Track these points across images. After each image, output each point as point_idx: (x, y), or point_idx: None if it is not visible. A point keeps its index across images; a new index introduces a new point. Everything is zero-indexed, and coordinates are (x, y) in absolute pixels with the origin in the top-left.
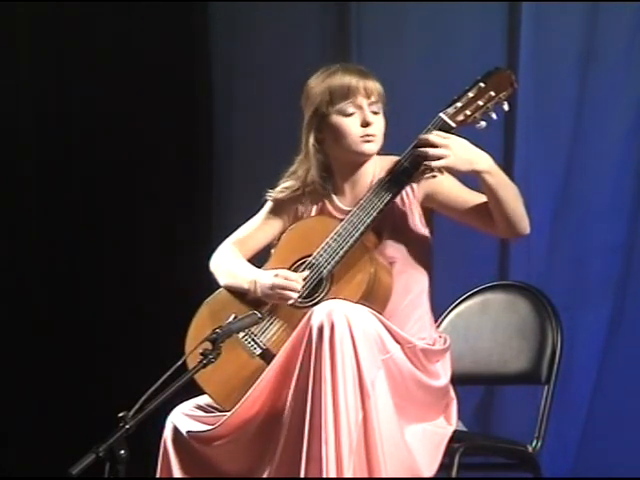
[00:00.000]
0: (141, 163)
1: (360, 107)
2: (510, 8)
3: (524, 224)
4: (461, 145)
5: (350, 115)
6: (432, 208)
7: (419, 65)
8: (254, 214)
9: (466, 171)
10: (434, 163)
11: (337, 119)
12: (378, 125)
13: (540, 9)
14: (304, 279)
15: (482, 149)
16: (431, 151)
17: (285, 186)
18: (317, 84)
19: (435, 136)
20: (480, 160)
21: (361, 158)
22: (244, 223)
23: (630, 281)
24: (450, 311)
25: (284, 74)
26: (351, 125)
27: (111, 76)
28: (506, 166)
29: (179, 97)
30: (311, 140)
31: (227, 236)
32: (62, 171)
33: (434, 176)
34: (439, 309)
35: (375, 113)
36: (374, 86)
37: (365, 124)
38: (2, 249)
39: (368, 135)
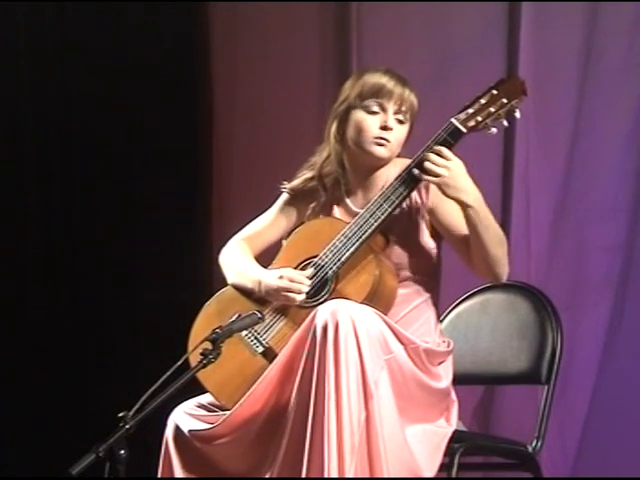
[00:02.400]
0: (141, 163)
1: (385, 110)
2: (510, 8)
3: (500, 270)
4: (458, 171)
5: (373, 113)
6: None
7: (419, 65)
8: (254, 213)
9: (452, 197)
10: (425, 177)
11: (360, 113)
12: (397, 133)
13: (540, 9)
14: (309, 277)
15: (482, 150)
16: (428, 165)
17: (301, 177)
18: (356, 78)
19: (438, 155)
20: (469, 193)
21: (371, 159)
22: (244, 223)
23: (630, 281)
24: (450, 311)
25: (284, 74)
26: (370, 123)
27: (111, 76)
28: (506, 166)
29: (179, 97)
30: (333, 129)
31: (227, 235)
32: (62, 172)
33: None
34: (439, 309)
35: (400, 122)
36: (409, 97)
37: (384, 127)
38: (2, 251)
39: (382, 138)
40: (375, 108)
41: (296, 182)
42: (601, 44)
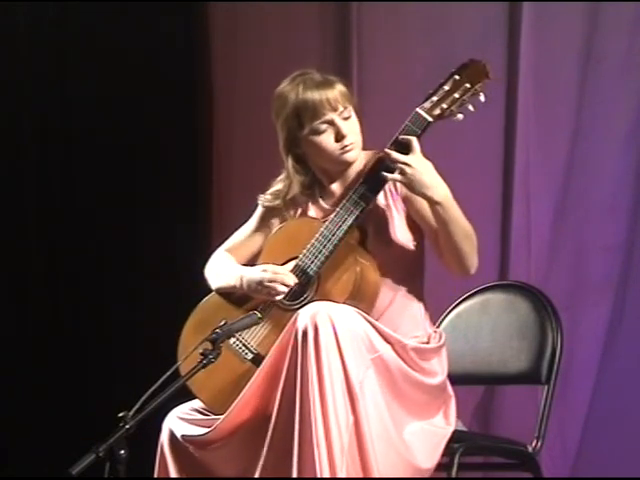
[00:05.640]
0: (141, 164)
1: (331, 122)
2: (510, 8)
3: (468, 263)
4: (423, 168)
5: (323, 132)
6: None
7: (419, 65)
8: (251, 216)
9: (418, 194)
10: (390, 176)
11: (311, 139)
12: (353, 131)
13: (540, 9)
14: (291, 270)
15: (482, 149)
16: (395, 164)
17: (275, 190)
18: (282, 105)
19: (398, 153)
20: (436, 189)
21: (344, 166)
22: (241, 226)
23: (630, 280)
24: (450, 311)
25: (284, 74)
26: (326, 141)
27: (111, 76)
28: (506, 166)
29: (179, 97)
30: (290, 162)
31: (227, 237)
32: (62, 172)
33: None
34: (439, 309)
35: (346, 119)
36: (337, 94)
37: (340, 138)
38: (2, 251)
39: (345, 146)
40: (322, 127)
41: (271, 201)
42: (601, 44)
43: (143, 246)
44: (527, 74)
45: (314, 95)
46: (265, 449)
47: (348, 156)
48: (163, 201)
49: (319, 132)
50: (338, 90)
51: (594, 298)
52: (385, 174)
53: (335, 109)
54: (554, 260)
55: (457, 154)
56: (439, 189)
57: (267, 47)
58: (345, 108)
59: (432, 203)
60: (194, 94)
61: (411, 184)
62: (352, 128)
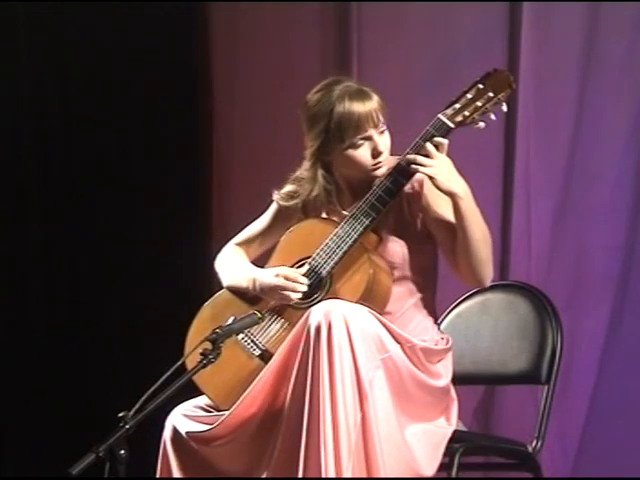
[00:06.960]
0: (141, 163)
1: (369, 138)
2: (510, 8)
3: (485, 272)
4: (447, 164)
5: (360, 146)
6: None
7: (419, 66)
8: (254, 214)
9: (443, 188)
10: (421, 169)
11: (347, 152)
12: (386, 147)
13: (540, 9)
14: (304, 274)
15: (483, 149)
16: (420, 159)
17: (291, 190)
18: (322, 114)
19: (430, 146)
20: (459, 184)
21: (371, 179)
22: (244, 224)
23: (630, 281)
24: (450, 311)
25: (284, 74)
26: (362, 156)
27: (111, 76)
28: (506, 166)
29: (179, 97)
30: (320, 171)
31: (227, 236)
32: (62, 173)
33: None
34: (439, 309)
35: (382, 133)
36: (377, 107)
37: (376, 154)
38: (2, 251)
39: (379, 162)
40: (361, 142)
41: (287, 201)
42: (602, 44)
43: (143, 246)
44: (527, 74)
45: (359, 109)
46: (278, 447)
47: (379, 172)
48: (163, 201)
49: (356, 146)
50: (377, 102)
51: (594, 298)
52: (414, 166)
53: (376, 125)
54: (554, 260)
55: (457, 154)
56: (461, 184)
57: (267, 47)
58: (382, 123)
59: (456, 198)
60: (194, 93)
61: (437, 177)
62: (386, 144)
